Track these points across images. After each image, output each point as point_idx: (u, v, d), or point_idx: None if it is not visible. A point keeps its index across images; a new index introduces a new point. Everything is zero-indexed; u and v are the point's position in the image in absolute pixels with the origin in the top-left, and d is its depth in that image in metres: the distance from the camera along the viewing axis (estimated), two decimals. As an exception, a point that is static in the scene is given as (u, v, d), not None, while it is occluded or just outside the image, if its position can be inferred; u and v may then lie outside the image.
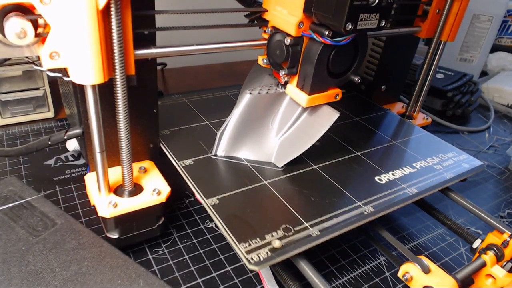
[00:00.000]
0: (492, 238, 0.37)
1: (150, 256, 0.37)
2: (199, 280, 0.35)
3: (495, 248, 0.36)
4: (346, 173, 0.41)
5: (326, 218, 0.34)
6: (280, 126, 0.42)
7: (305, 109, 0.40)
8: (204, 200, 0.34)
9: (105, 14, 0.27)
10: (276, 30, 0.37)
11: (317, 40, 0.34)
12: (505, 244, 0.36)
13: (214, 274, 0.36)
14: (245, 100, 0.39)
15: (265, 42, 0.39)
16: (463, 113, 0.72)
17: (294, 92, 0.39)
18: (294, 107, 0.41)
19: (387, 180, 0.40)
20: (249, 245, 0.30)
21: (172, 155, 0.40)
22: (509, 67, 0.93)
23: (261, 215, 0.34)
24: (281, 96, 0.41)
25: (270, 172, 0.40)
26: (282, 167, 0.40)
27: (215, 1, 0.55)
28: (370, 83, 0.60)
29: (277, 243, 0.31)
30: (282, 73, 0.37)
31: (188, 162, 0.39)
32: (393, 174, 0.41)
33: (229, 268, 0.37)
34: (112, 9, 0.27)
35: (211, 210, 0.33)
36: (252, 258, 0.29)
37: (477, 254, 0.37)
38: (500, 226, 0.38)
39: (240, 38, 0.38)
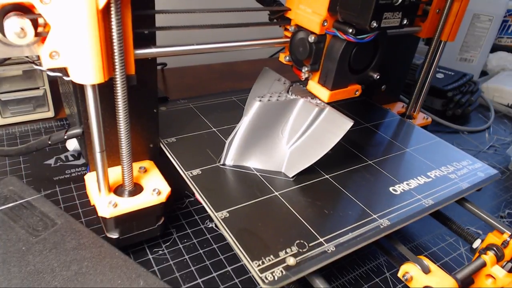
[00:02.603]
0: (492, 238, 0.37)
1: (150, 256, 0.37)
2: (199, 280, 0.35)
3: (495, 248, 0.36)
4: (359, 183, 0.40)
5: (341, 232, 0.33)
6: (290, 135, 0.41)
7: (316, 116, 0.39)
8: (214, 214, 0.33)
9: (105, 13, 0.27)
10: (299, 28, 0.38)
11: (341, 37, 0.35)
12: (505, 244, 0.36)
13: (214, 274, 0.36)
14: (254, 107, 0.38)
15: (266, 42, 0.39)
16: (463, 113, 0.72)
17: (315, 88, 0.39)
18: (305, 114, 0.40)
19: (402, 191, 0.39)
20: (262, 262, 0.29)
21: (179, 165, 0.39)
22: (509, 67, 0.93)
23: (273, 229, 0.33)
24: (292, 103, 0.40)
25: (281, 182, 0.38)
26: (293, 177, 0.39)
27: (215, 1, 0.55)
28: (370, 83, 0.59)
29: (291, 261, 0.29)
30: (304, 69, 0.38)
31: (196, 172, 0.38)
32: (407, 184, 0.40)
33: (229, 268, 0.37)
34: (112, 8, 0.27)
35: (221, 224, 0.32)
36: (266, 277, 0.28)
37: (477, 254, 0.36)
38: (500, 226, 0.38)
39: (240, 38, 0.38)
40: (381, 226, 0.34)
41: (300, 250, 0.31)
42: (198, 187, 0.36)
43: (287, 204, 0.35)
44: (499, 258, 0.35)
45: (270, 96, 0.39)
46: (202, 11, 0.35)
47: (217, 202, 0.34)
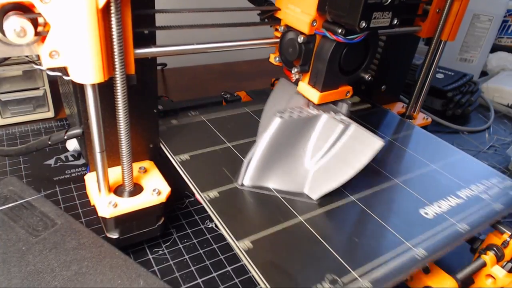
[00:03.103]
0: (492, 238, 0.37)
1: (150, 256, 0.37)
2: (199, 280, 0.35)
3: (495, 248, 0.36)
4: (388, 206, 0.37)
5: (375, 265, 0.30)
6: (313, 153, 0.38)
7: (342, 134, 0.37)
8: (235, 244, 0.31)
9: (105, 13, 0.27)
10: (288, 28, 0.38)
11: (330, 38, 0.35)
12: (505, 244, 0.36)
13: (214, 274, 0.36)
14: (274, 124, 0.36)
15: (266, 41, 0.39)
16: (463, 113, 0.72)
17: (306, 89, 0.39)
18: (329, 132, 0.37)
19: (434, 214, 0.37)
20: None
21: (196, 187, 0.36)
22: (509, 67, 0.93)
23: (301, 261, 0.30)
24: (314, 119, 0.38)
25: (304, 205, 0.36)
26: (317, 199, 0.37)
27: (215, 1, 0.55)
28: (370, 83, 0.59)
29: None
30: (294, 70, 0.38)
31: (213, 194, 0.35)
32: (439, 206, 0.38)
33: (229, 268, 0.37)
34: (112, 8, 0.27)
35: (244, 257, 0.30)
36: None
37: (477, 254, 0.37)
38: (500, 226, 0.38)
39: (240, 37, 0.38)
40: (418, 257, 0.32)
41: (333, 287, 0.28)
42: (216, 212, 0.33)
43: (314, 232, 0.33)
44: (499, 258, 0.35)
45: (291, 112, 0.37)
46: (201, 11, 0.35)
47: (238, 230, 0.32)
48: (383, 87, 0.60)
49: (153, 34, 0.35)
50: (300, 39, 0.36)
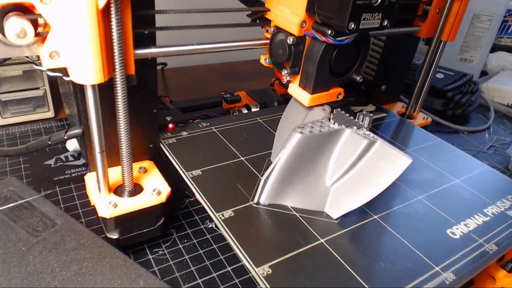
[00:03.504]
0: (493, 238, 0.37)
1: (150, 256, 0.37)
2: (199, 281, 0.35)
3: (495, 248, 0.36)
4: (413, 226, 0.35)
5: None
6: (334, 170, 0.36)
7: (366, 150, 0.35)
8: (254, 270, 0.29)
9: (105, 13, 0.27)
10: (278, 29, 0.37)
11: (320, 39, 0.35)
12: (505, 244, 0.36)
13: (214, 274, 0.36)
14: (294, 140, 0.34)
15: (266, 41, 0.39)
16: (463, 113, 0.72)
17: (296, 91, 0.38)
18: (352, 148, 0.36)
19: (461, 234, 0.35)
20: None
21: (210, 206, 0.34)
22: (509, 67, 0.93)
23: None
24: (336, 134, 0.36)
25: (324, 225, 0.34)
26: (337, 218, 0.36)
27: (215, 1, 0.55)
28: (370, 83, 0.60)
29: None
30: (284, 72, 0.37)
31: (228, 214, 0.34)
32: (465, 225, 0.36)
33: (229, 269, 0.37)
34: (112, 8, 0.27)
35: (263, 283, 0.28)
36: None
37: (477, 254, 0.36)
38: (500, 226, 0.37)
39: (240, 38, 0.38)
40: (447, 282, 0.30)
41: None
42: (232, 233, 0.32)
43: (336, 255, 0.31)
44: (499, 258, 0.35)
45: (312, 127, 0.35)
46: (202, 11, 0.35)
47: (257, 254, 0.30)
48: (383, 87, 0.60)
49: (153, 34, 0.35)
50: (290, 40, 0.35)
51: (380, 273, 0.30)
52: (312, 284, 0.29)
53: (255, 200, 0.36)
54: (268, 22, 0.38)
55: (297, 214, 0.35)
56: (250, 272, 0.30)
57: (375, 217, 0.36)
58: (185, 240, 0.39)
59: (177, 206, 0.44)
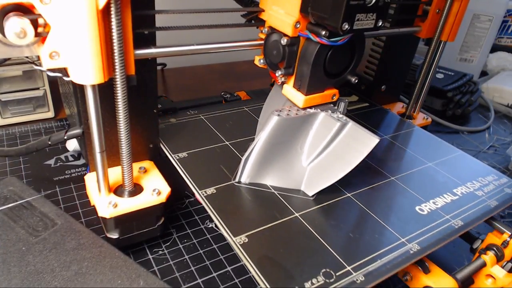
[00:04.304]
0: (492, 238, 0.37)
1: (150, 256, 0.37)
2: (199, 280, 0.35)
3: (495, 248, 0.36)
4: (384, 202, 0.38)
5: (369, 259, 0.31)
6: (310, 151, 0.38)
7: (338, 132, 0.37)
8: (231, 239, 0.31)
9: (105, 13, 0.27)
10: (272, 30, 0.37)
11: (314, 40, 0.34)
12: (505, 244, 0.36)
13: (214, 274, 0.36)
14: (272, 122, 0.36)
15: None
16: (463, 113, 0.72)
17: (291, 92, 0.38)
18: (326, 130, 0.38)
19: (429, 211, 0.37)
20: None
21: (193, 183, 0.36)
22: (509, 67, 0.93)
23: (296, 256, 0.30)
24: (312, 117, 0.38)
25: (300, 202, 0.36)
26: (313, 196, 0.37)
27: (215, 1, 0.55)
28: (370, 83, 0.60)
29: None
30: (278, 73, 0.37)
31: (210, 191, 0.36)
32: (434, 203, 0.38)
33: (229, 268, 0.37)
34: (112, 8, 0.27)
35: (240, 251, 0.30)
36: None
37: (477, 254, 0.37)
38: (500, 226, 0.38)
39: (241, 38, 0.38)
40: (411, 252, 0.32)
41: (327, 280, 0.29)
42: (213, 208, 0.34)
43: (309, 227, 0.33)
44: (499, 258, 0.35)
45: (289, 110, 0.38)
46: (201, 11, 0.35)
47: (234, 225, 0.32)
48: (383, 87, 0.60)
49: (153, 34, 0.35)
50: (284, 41, 0.35)
51: (348, 242, 0.33)
52: (285, 252, 0.31)
53: (237, 179, 0.38)
54: (262, 22, 0.38)
55: (275, 192, 0.37)
56: (228, 241, 0.31)
57: (349, 195, 0.38)
58: (185, 240, 0.39)
59: (177, 206, 0.44)
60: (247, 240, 0.31)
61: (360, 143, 0.36)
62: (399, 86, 0.63)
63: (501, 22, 0.86)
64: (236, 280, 0.36)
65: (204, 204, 0.35)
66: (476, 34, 0.86)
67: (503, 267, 0.35)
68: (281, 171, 0.38)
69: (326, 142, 0.38)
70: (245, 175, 0.38)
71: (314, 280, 0.29)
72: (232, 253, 0.38)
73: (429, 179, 0.42)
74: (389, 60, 0.58)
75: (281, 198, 0.37)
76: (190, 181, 0.37)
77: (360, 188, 0.39)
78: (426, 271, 0.33)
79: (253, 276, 0.29)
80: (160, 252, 0.38)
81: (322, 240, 0.32)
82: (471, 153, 0.49)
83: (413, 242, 0.33)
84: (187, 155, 0.40)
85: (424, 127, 0.58)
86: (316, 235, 0.33)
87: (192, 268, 0.36)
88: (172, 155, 0.40)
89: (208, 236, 0.40)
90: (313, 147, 0.38)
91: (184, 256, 0.38)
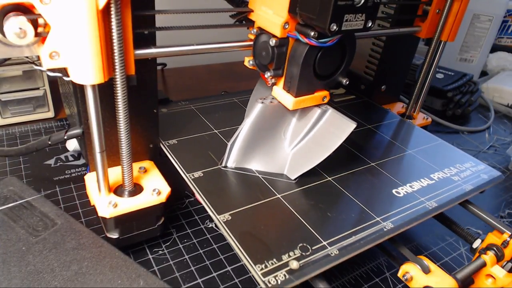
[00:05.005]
0: (492, 238, 0.37)
1: (150, 256, 0.37)
2: (199, 280, 0.35)
3: (495, 248, 0.36)
4: (362, 186, 0.39)
5: (344, 235, 0.33)
6: (292, 137, 0.40)
7: (319, 118, 0.39)
8: (215, 216, 0.33)
9: (105, 13, 0.27)
10: (261, 31, 0.36)
11: (303, 41, 0.34)
12: (505, 244, 0.36)
13: (214, 274, 0.36)
14: (256, 109, 0.38)
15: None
16: (463, 113, 0.72)
17: (280, 94, 0.38)
18: (307, 117, 0.39)
19: (405, 193, 0.39)
20: (265, 266, 0.29)
21: (181, 167, 0.38)
22: (509, 67, 0.93)
23: (276, 232, 0.32)
24: None
25: (283, 184, 0.38)
26: (295, 179, 0.39)
27: (215, 1, 0.55)
28: (370, 83, 0.60)
29: (294, 264, 0.29)
30: (268, 74, 0.37)
31: (197, 174, 0.37)
32: (410, 186, 0.40)
33: (229, 268, 0.37)
34: (112, 8, 0.27)
35: (223, 227, 0.32)
36: (269, 281, 0.27)
37: (477, 254, 0.37)
38: (500, 226, 0.38)
39: (241, 38, 0.38)
40: (385, 229, 0.34)
41: (303, 253, 0.30)
42: (200, 189, 0.36)
43: (290, 207, 0.35)
44: (499, 258, 0.35)
45: (273, 98, 0.39)
46: (200, 11, 0.35)
47: (219, 204, 0.34)
48: (383, 87, 0.60)
49: (153, 34, 0.35)
50: (272, 42, 0.34)
51: (326, 221, 0.34)
52: (266, 229, 0.32)
53: (223, 164, 0.39)
54: (252, 23, 0.37)
55: (260, 176, 0.39)
56: (214, 221, 0.33)
57: (329, 178, 0.40)
58: (185, 240, 0.39)
59: (177, 206, 0.44)
60: (230, 218, 0.33)
61: (338, 128, 0.38)
62: (399, 86, 0.63)
63: (501, 22, 0.86)
64: (236, 280, 0.36)
65: (191, 186, 0.36)
66: (476, 34, 0.86)
67: (503, 267, 0.35)
68: (266, 156, 0.40)
69: (307, 129, 0.39)
70: (231, 160, 0.39)
71: (291, 253, 0.30)
72: (232, 253, 0.38)
73: (407, 165, 0.44)
74: (389, 60, 0.58)
75: (265, 181, 0.38)
76: (178, 165, 0.38)
77: (340, 173, 0.41)
78: (426, 271, 0.33)
79: (235, 250, 0.30)
80: (160, 252, 0.38)
81: (301, 219, 0.34)
82: (471, 153, 0.49)
83: (387, 221, 0.35)
84: (176, 142, 0.42)
85: (424, 127, 0.58)
86: (296, 214, 0.34)
87: (192, 268, 0.37)
88: (162, 142, 0.42)
89: (208, 236, 0.40)
90: (295, 134, 0.40)
91: (184, 256, 0.38)
